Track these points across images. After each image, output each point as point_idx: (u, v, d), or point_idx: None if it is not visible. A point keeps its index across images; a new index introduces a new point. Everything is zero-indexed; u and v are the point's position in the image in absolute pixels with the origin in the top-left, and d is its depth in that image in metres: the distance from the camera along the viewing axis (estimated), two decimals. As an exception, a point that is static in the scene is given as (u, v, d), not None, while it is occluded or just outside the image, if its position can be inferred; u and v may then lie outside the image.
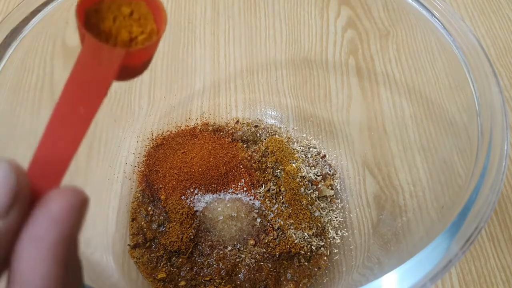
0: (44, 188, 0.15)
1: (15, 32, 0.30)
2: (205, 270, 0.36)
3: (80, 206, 0.15)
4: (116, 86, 0.41)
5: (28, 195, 0.15)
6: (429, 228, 0.31)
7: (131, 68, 0.18)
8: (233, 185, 0.40)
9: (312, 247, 0.37)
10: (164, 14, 0.18)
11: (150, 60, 0.19)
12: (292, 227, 0.37)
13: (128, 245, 0.38)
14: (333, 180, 0.42)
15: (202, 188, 0.39)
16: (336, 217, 0.40)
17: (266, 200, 0.38)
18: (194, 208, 0.38)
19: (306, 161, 0.42)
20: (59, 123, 0.16)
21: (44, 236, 0.14)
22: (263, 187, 0.39)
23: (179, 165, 0.41)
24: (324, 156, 0.44)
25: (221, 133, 0.45)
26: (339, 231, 0.39)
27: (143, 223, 0.38)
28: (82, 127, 0.16)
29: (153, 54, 0.19)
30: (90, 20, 0.17)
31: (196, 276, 0.36)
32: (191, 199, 0.39)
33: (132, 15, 0.18)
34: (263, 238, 0.37)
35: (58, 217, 0.14)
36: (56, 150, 0.16)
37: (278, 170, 0.40)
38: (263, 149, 0.41)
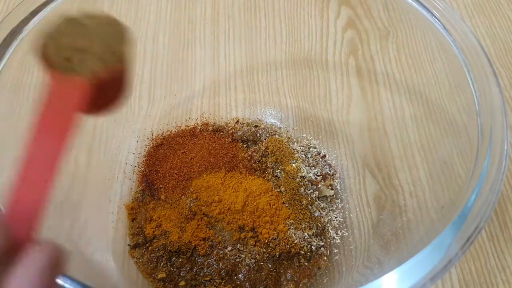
0: (22, 231, 0.15)
1: (15, 32, 0.30)
2: (205, 270, 0.36)
3: (55, 263, 0.14)
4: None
5: (4, 244, 0.14)
6: (429, 228, 0.31)
7: (103, 98, 0.17)
8: (233, 185, 0.40)
9: (312, 247, 0.37)
10: (126, 37, 0.17)
11: (121, 88, 0.18)
12: (292, 227, 0.37)
13: (128, 245, 0.38)
14: (333, 180, 0.42)
15: (202, 188, 0.39)
16: (336, 217, 0.40)
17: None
18: (194, 208, 0.38)
19: (306, 161, 0.42)
20: (30, 163, 0.15)
21: None
22: (263, 187, 0.39)
23: (179, 165, 0.41)
24: (324, 156, 0.44)
25: (221, 133, 0.45)
26: (339, 231, 0.39)
27: (143, 223, 0.38)
28: (53, 163, 0.15)
29: (123, 78, 0.17)
30: (50, 50, 0.16)
31: (196, 276, 0.36)
32: (191, 199, 0.39)
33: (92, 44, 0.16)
34: (263, 238, 0.37)
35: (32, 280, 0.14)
36: (30, 192, 0.15)
37: (278, 170, 0.40)
38: (263, 149, 0.41)
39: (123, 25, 0.17)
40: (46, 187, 0.15)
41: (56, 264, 0.15)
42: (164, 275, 0.36)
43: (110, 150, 0.42)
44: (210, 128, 0.45)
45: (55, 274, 0.15)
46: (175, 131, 0.45)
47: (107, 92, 0.17)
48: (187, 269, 0.36)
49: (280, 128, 0.46)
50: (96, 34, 0.17)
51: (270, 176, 0.40)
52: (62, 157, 0.15)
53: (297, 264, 0.36)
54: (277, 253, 0.36)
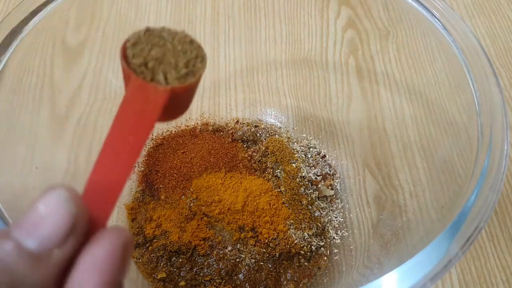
0: (96, 215, 0.16)
1: (15, 32, 0.30)
2: (205, 270, 0.36)
3: (124, 249, 0.15)
4: (117, 87, 0.41)
5: (85, 224, 0.15)
6: (429, 228, 0.31)
7: (172, 108, 0.18)
8: (233, 185, 0.40)
9: (312, 247, 0.37)
10: (203, 52, 0.18)
11: (189, 101, 0.19)
12: (292, 227, 0.37)
13: (128, 245, 0.38)
14: (333, 180, 0.42)
15: (202, 188, 0.39)
16: (336, 217, 0.40)
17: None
18: (194, 208, 0.38)
19: (306, 161, 0.42)
20: (110, 155, 0.16)
21: (88, 280, 0.14)
22: (263, 187, 0.39)
23: (179, 165, 0.41)
24: (324, 156, 0.44)
25: (221, 133, 0.45)
26: (339, 231, 0.39)
27: (143, 223, 0.38)
28: (131, 158, 0.16)
29: (194, 92, 0.19)
30: (133, 56, 0.17)
31: (196, 276, 0.36)
32: (191, 199, 0.39)
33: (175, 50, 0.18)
34: (263, 238, 0.37)
35: (101, 264, 0.14)
36: (108, 179, 0.16)
37: (278, 170, 0.40)
38: (263, 149, 0.41)
39: (199, 44, 0.18)
40: (121, 181, 0.16)
41: (127, 247, 0.15)
42: (164, 275, 0.36)
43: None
44: (210, 128, 0.45)
45: (126, 256, 0.15)
46: (175, 131, 0.45)
47: (177, 103, 0.18)
48: (187, 269, 0.36)
49: (280, 128, 0.46)
50: (173, 46, 0.18)
51: (270, 176, 0.40)
52: (138, 155, 0.17)
53: (297, 264, 0.36)
54: (277, 253, 0.36)
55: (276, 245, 0.36)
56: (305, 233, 0.37)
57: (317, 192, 0.40)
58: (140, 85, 0.16)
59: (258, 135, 0.45)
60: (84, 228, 0.15)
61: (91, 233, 0.15)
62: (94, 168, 0.16)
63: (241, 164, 0.41)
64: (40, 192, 0.14)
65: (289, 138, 0.45)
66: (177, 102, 0.18)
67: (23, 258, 0.13)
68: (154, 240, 0.37)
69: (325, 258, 0.37)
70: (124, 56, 0.17)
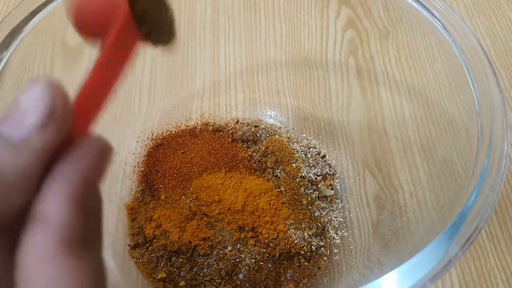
0: (80, 125, 0.16)
1: (15, 32, 0.30)
2: (205, 270, 0.36)
3: (105, 154, 0.16)
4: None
5: (68, 115, 0.15)
6: (429, 228, 0.31)
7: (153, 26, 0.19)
8: (233, 185, 0.40)
9: (312, 247, 0.37)
10: None
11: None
12: (292, 227, 0.37)
13: (128, 245, 0.38)
14: (333, 180, 0.42)
15: (202, 188, 0.39)
16: (336, 217, 0.40)
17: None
18: (194, 208, 0.38)
19: (306, 161, 0.42)
20: (102, 69, 0.17)
21: (66, 176, 0.14)
22: (263, 187, 0.39)
23: (179, 165, 0.41)
24: (324, 156, 0.44)
25: (221, 133, 0.45)
26: (339, 231, 0.39)
27: (143, 223, 0.38)
28: (117, 72, 0.18)
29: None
30: None
31: (196, 276, 0.36)
32: (191, 199, 0.39)
33: None
34: (263, 238, 0.37)
35: (82, 162, 0.15)
36: (95, 92, 0.17)
37: (278, 170, 0.40)
38: (263, 149, 0.41)
39: None
40: (106, 95, 0.18)
41: (106, 155, 0.16)
42: (164, 275, 0.36)
43: (110, 150, 0.42)
44: (210, 128, 0.45)
45: (103, 164, 0.16)
46: (175, 131, 0.45)
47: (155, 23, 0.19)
48: (187, 269, 0.36)
49: (280, 128, 0.46)
50: None
51: (270, 176, 0.40)
52: (123, 72, 0.18)
53: (297, 264, 0.36)
54: (277, 253, 0.36)
55: (276, 245, 0.36)
56: (305, 233, 0.37)
57: (317, 192, 0.40)
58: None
59: (258, 135, 0.45)
60: (66, 120, 0.15)
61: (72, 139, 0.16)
62: (85, 78, 0.17)
63: (241, 164, 0.41)
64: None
65: (289, 138, 0.45)
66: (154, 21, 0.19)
67: (1, 146, 0.14)
68: (154, 240, 0.37)
69: (325, 258, 0.37)
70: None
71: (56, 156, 0.15)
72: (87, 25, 0.18)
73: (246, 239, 0.37)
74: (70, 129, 0.16)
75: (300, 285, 0.36)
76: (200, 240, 0.37)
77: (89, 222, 0.15)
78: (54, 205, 0.14)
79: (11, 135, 0.14)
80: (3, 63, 0.29)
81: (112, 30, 0.17)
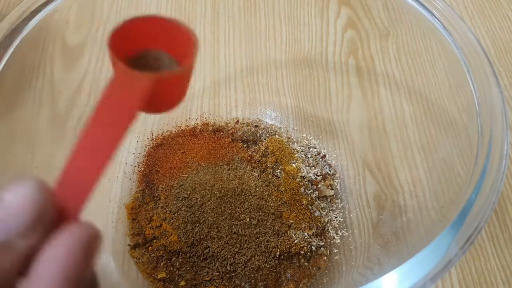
0: (69, 208, 0.15)
1: (15, 32, 0.30)
2: (205, 270, 0.36)
3: (92, 241, 0.15)
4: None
5: (52, 215, 0.15)
6: (429, 228, 0.31)
7: (163, 97, 0.17)
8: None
9: (312, 247, 0.37)
10: (194, 40, 0.17)
11: (183, 90, 0.18)
12: (292, 227, 0.37)
13: (128, 245, 0.38)
14: (333, 180, 0.42)
15: (202, 188, 0.39)
16: (336, 217, 0.40)
17: (266, 200, 0.38)
18: (194, 208, 0.38)
19: (306, 161, 0.42)
20: (86, 148, 0.16)
21: (47, 274, 0.14)
22: (263, 187, 0.39)
23: (179, 165, 0.41)
24: (324, 156, 0.44)
25: (221, 133, 0.45)
26: (339, 231, 0.39)
27: (143, 223, 0.38)
28: (108, 152, 0.16)
29: (186, 83, 0.18)
30: (120, 46, 0.17)
31: (196, 276, 0.36)
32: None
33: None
34: (263, 238, 0.37)
35: (62, 258, 0.14)
36: (83, 172, 0.16)
37: (278, 170, 0.40)
38: (263, 149, 0.41)
39: (194, 34, 0.18)
40: (97, 173, 0.16)
41: (91, 242, 0.15)
42: (164, 275, 0.36)
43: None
44: (210, 128, 0.45)
45: (89, 252, 0.15)
46: (175, 131, 0.45)
47: (163, 93, 0.17)
48: (187, 269, 0.36)
49: (280, 128, 0.46)
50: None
51: (270, 176, 0.40)
52: (117, 146, 0.16)
53: (297, 264, 0.36)
54: (277, 253, 0.36)
55: (276, 245, 0.36)
56: (305, 233, 0.37)
57: (317, 192, 0.40)
58: (125, 71, 0.16)
59: (258, 135, 0.45)
60: (50, 220, 0.14)
61: (61, 225, 0.15)
62: (69, 159, 0.16)
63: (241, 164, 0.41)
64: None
65: (289, 138, 0.45)
66: (164, 92, 0.17)
67: None
68: (154, 240, 0.37)
69: (325, 258, 0.37)
70: (111, 45, 0.17)
71: (42, 240, 0.14)
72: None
73: (246, 239, 0.37)
74: (58, 209, 0.15)
75: (300, 285, 0.36)
76: (200, 240, 0.37)
77: None
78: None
79: None
80: (3, 63, 0.29)
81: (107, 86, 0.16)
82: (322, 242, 0.38)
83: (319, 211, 0.39)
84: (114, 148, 0.16)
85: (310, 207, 0.38)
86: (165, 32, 0.18)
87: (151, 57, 0.18)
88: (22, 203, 0.14)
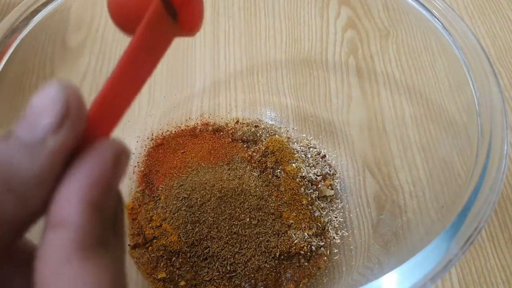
0: (99, 131, 0.16)
1: (15, 32, 0.30)
2: (205, 270, 0.36)
3: (121, 158, 0.15)
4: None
5: (82, 117, 0.15)
6: (429, 228, 0.31)
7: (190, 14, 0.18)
8: (233, 185, 0.40)
9: (312, 247, 0.37)
10: None
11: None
12: (292, 227, 0.37)
13: (128, 245, 0.38)
14: (333, 180, 0.42)
15: (202, 188, 0.39)
16: (336, 217, 0.40)
17: (266, 200, 0.38)
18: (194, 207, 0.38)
19: (306, 161, 0.42)
20: (126, 71, 0.17)
21: (81, 180, 0.14)
22: (263, 187, 0.39)
23: (179, 165, 0.41)
24: (324, 156, 0.44)
25: (221, 133, 0.45)
26: (339, 231, 0.39)
27: (143, 223, 0.38)
28: (145, 76, 0.17)
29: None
30: None
31: (196, 276, 0.36)
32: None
33: None
34: (263, 238, 0.37)
35: (97, 166, 0.15)
36: (119, 96, 0.16)
37: (278, 170, 0.40)
38: (263, 149, 0.41)
39: None
40: (133, 96, 0.17)
41: (122, 160, 0.15)
42: (164, 275, 0.36)
43: (110, 150, 0.42)
44: (210, 128, 0.45)
45: (120, 169, 0.15)
46: (175, 131, 0.45)
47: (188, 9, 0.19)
48: (187, 269, 0.36)
49: (280, 128, 0.46)
50: None
51: (270, 176, 0.40)
52: (151, 73, 0.17)
53: (297, 264, 0.36)
54: (277, 253, 0.36)
55: (276, 245, 0.36)
56: (305, 233, 0.37)
57: (317, 192, 0.40)
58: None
59: (258, 135, 0.45)
60: (80, 122, 0.15)
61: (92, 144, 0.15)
62: (109, 80, 0.16)
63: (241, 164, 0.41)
64: None
65: (289, 138, 0.45)
66: (189, 10, 0.18)
67: (16, 149, 0.14)
68: (154, 240, 0.37)
69: (325, 258, 0.37)
70: None
71: (72, 158, 0.15)
72: (125, 17, 0.18)
73: (246, 239, 0.37)
74: (88, 131, 0.15)
75: (300, 285, 0.36)
76: (200, 240, 0.37)
77: (109, 223, 0.15)
78: (69, 209, 0.14)
79: (26, 136, 0.14)
80: (3, 63, 0.29)
81: (144, 18, 0.17)
82: (322, 242, 0.38)
83: (319, 211, 0.39)
84: (150, 73, 0.17)
85: (310, 207, 0.38)
86: None
87: None
88: (47, 99, 0.14)
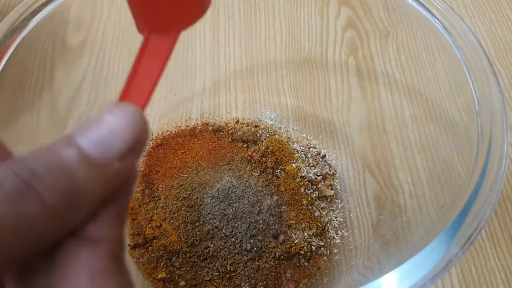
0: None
1: (15, 32, 0.30)
2: (205, 270, 0.36)
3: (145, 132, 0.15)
4: (117, 87, 0.41)
5: (145, 142, 0.15)
6: (429, 228, 0.31)
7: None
8: (233, 185, 0.40)
9: (312, 247, 0.37)
10: None
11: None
12: (292, 227, 0.37)
13: (128, 245, 0.38)
14: (333, 180, 0.42)
15: (202, 188, 0.39)
16: (336, 217, 0.40)
17: (266, 200, 0.38)
18: (194, 207, 0.38)
19: (306, 161, 0.42)
20: (149, 55, 0.18)
21: (117, 198, 0.15)
22: (263, 187, 0.39)
23: (179, 165, 0.41)
24: (324, 156, 0.44)
25: (221, 133, 0.45)
26: (339, 231, 0.39)
27: (143, 223, 0.38)
28: (166, 57, 0.19)
29: None
30: None
31: (196, 276, 0.36)
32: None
33: None
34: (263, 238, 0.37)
35: (129, 188, 0.16)
36: (145, 77, 0.18)
37: (278, 170, 0.40)
38: (263, 149, 0.41)
39: None
40: (158, 77, 0.18)
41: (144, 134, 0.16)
42: (164, 275, 0.36)
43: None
44: (210, 128, 0.45)
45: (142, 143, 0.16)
46: (175, 131, 0.45)
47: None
48: (187, 269, 0.36)
49: (280, 128, 0.46)
50: None
51: (270, 176, 0.40)
52: (172, 52, 0.19)
53: (297, 264, 0.36)
54: (277, 253, 0.36)
55: (276, 245, 0.36)
56: (305, 233, 0.37)
57: (317, 192, 0.40)
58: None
59: (258, 135, 0.45)
60: (143, 145, 0.15)
61: None
62: (134, 66, 0.18)
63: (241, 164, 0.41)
64: None
65: (289, 138, 0.45)
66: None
67: (84, 166, 0.13)
68: (154, 240, 0.37)
69: (325, 258, 0.37)
70: None
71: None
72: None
73: (246, 239, 0.37)
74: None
75: (300, 285, 0.36)
76: (200, 240, 0.37)
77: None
78: (107, 226, 0.14)
79: (96, 155, 0.14)
80: (3, 63, 0.29)
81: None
82: (322, 242, 0.38)
83: (319, 211, 0.39)
84: (170, 54, 0.19)
85: (310, 207, 0.38)
86: None
87: None
88: (125, 126, 0.14)
